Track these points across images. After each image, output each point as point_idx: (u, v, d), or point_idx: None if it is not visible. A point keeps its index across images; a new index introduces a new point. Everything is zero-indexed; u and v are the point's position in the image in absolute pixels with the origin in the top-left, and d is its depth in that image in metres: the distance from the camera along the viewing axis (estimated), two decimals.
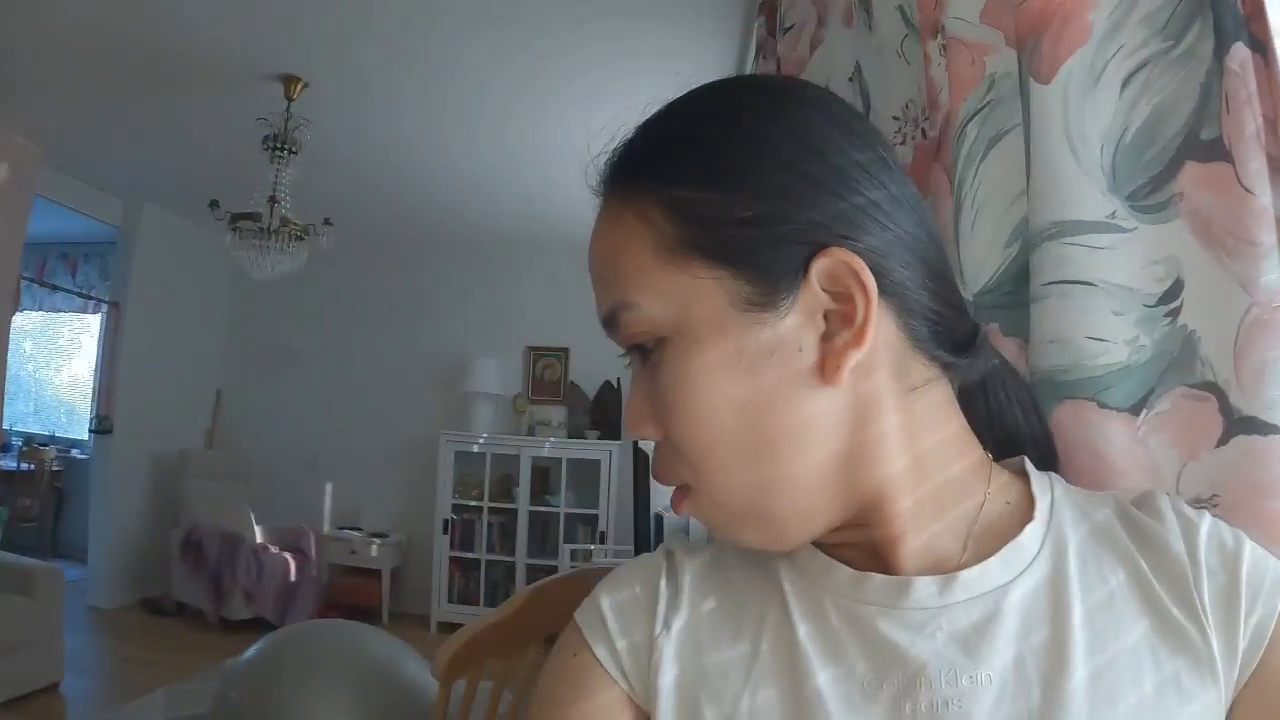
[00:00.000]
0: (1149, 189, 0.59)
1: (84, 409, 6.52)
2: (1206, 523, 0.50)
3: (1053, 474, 0.57)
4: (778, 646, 0.51)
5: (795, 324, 0.48)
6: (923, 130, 0.84)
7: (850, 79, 1.06)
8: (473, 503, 5.49)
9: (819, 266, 0.47)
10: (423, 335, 5.93)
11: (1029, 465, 0.56)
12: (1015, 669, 0.46)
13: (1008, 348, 0.67)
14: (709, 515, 0.52)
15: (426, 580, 5.47)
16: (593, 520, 5.42)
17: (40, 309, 6.96)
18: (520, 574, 5.40)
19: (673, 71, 3.06)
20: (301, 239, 3.51)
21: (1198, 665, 0.46)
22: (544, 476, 5.58)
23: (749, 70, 2.84)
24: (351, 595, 5.34)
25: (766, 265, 0.47)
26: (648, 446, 0.45)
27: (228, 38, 2.99)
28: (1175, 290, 0.58)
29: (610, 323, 0.51)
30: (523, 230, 5.50)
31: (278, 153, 3.35)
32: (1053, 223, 0.61)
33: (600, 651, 0.54)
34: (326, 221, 3.68)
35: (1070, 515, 0.53)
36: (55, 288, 6.49)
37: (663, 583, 0.56)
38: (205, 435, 5.98)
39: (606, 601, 0.56)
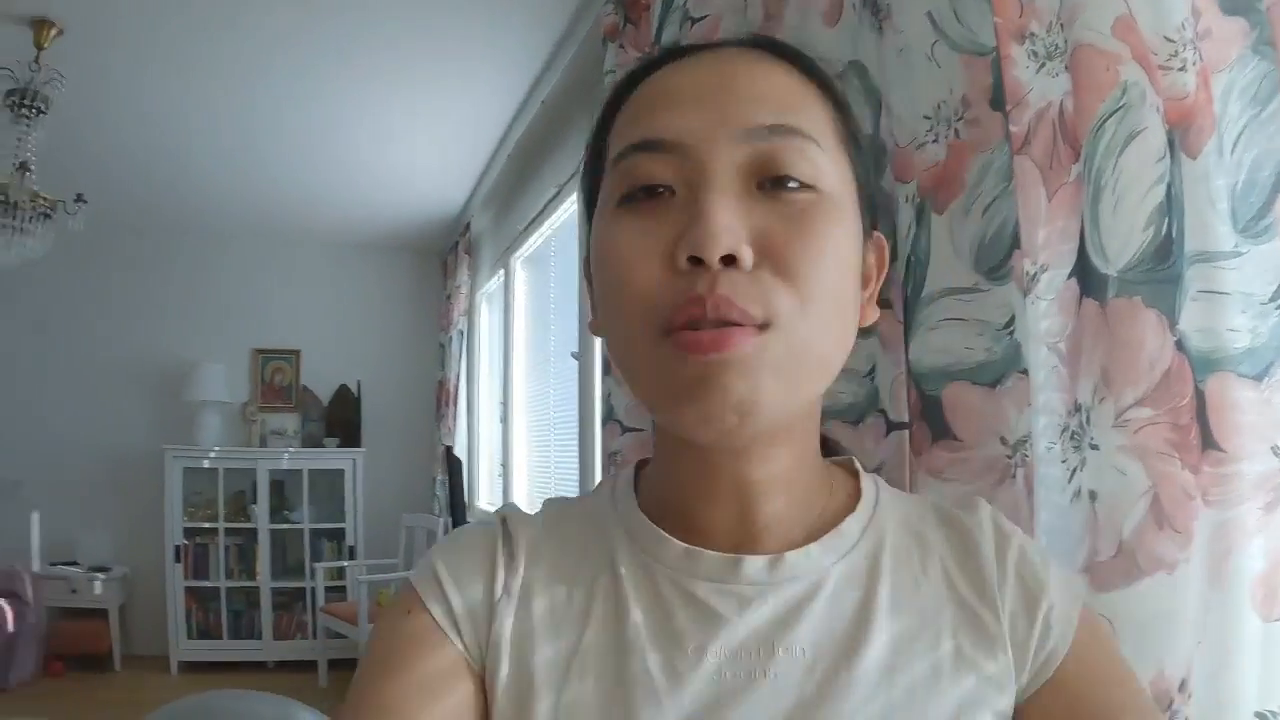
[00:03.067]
0: (1255, 220, 0.79)
1: None
2: (1019, 538, 0.57)
3: (877, 476, 0.63)
4: (610, 611, 0.54)
5: (864, 264, 0.56)
6: (955, 129, 0.95)
7: (838, 76, 1.15)
8: (206, 524, 4.96)
9: (874, 237, 0.58)
10: (139, 337, 5.22)
11: (858, 464, 0.63)
12: (826, 642, 0.51)
13: (1148, 318, 0.79)
14: (777, 355, 0.47)
15: (161, 616, 4.81)
16: (339, 534, 5.16)
17: None
18: (266, 599, 4.96)
19: (473, 57, 3.14)
20: (48, 218, 2.98)
21: (992, 647, 0.52)
22: (281, 490, 5.20)
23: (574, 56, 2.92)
24: (77, 642, 4.62)
25: (868, 210, 0.56)
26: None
27: None
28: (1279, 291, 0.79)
29: (769, 133, 0.48)
30: (255, 219, 5.07)
31: (22, 111, 2.82)
32: (1199, 252, 0.79)
33: (437, 611, 0.54)
34: (78, 198, 3.15)
35: (890, 511, 0.59)
36: None
37: (499, 548, 0.57)
38: None
39: (442, 562, 0.56)
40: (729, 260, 0.45)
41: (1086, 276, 0.82)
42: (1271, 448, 0.74)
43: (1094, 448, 0.79)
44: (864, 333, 0.95)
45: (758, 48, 0.53)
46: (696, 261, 0.45)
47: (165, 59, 3.09)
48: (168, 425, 5.08)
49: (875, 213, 0.59)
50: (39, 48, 2.82)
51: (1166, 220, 0.79)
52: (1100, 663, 0.52)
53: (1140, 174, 0.80)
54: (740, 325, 0.45)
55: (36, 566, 4.73)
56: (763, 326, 0.46)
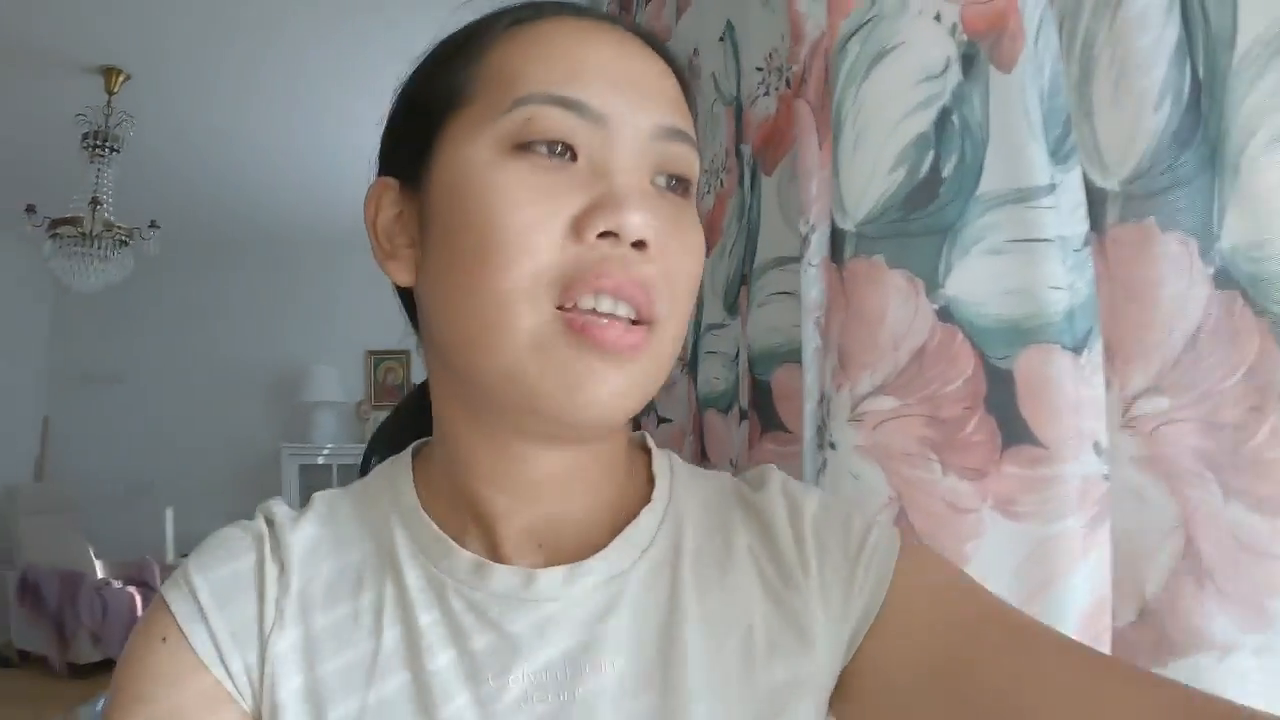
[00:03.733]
0: (1061, 139, 0.59)
1: None
2: (812, 502, 0.53)
3: (670, 450, 0.59)
4: (399, 635, 0.49)
5: None
6: (786, 79, 0.81)
7: (720, 38, 1.04)
8: None
9: None
10: (256, 344, 5.64)
11: (650, 441, 0.58)
12: (636, 655, 0.48)
13: (894, 280, 0.62)
14: (653, 356, 0.46)
15: None
16: None
17: None
18: None
19: None
20: (125, 244, 3.27)
21: (802, 634, 0.48)
22: None
23: None
24: None
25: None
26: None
27: (40, 22, 2.75)
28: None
29: (671, 136, 0.48)
30: (353, 228, 5.32)
31: (98, 151, 3.11)
32: (1011, 190, 0.59)
33: (196, 638, 0.47)
34: (152, 224, 3.45)
35: (687, 495, 0.55)
36: None
37: (267, 556, 0.50)
38: (34, 467, 5.48)
39: (201, 578, 0.49)
40: (639, 246, 0.44)
41: (831, 234, 0.68)
42: (1094, 444, 0.55)
43: (832, 447, 0.65)
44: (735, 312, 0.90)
45: (642, 39, 0.51)
46: (605, 236, 0.44)
47: (228, 86, 3.30)
48: (285, 425, 5.49)
49: None
50: (110, 93, 3.09)
51: (931, 155, 0.63)
52: (935, 589, 0.48)
53: (889, 102, 0.65)
54: (638, 322, 0.45)
55: (170, 557, 5.21)
56: (649, 324, 0.45)
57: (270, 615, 0.49)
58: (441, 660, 0.47)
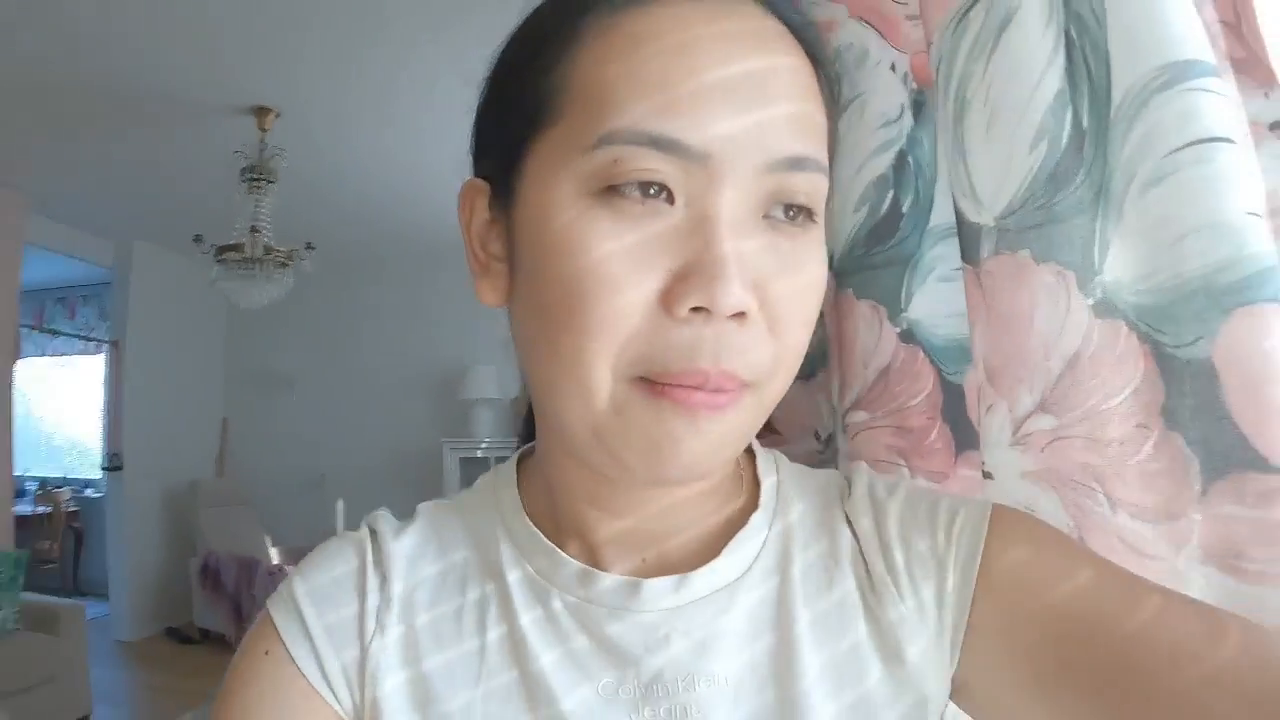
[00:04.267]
0: None
1: (95, 448, 6.62)
2: (897, 499, 0.50)
3: (776, 451, 0.56)
4: (503, 633, 0.48)
5: None
6: None
7: None
8: None
9: None
10: (416, 346, 6.00)
11: (755, 442, 0.55)
12: (749, 668, 0.46)
13: (861, 312, 0.65)
14: (747, 415, 0.42)
15: None
16: None
17: (43, 354, 7.06)
18: None
19: None
20: (285, 265, 3.58)
21: (894, 653, 0.46)
22: None
23: None
24: None
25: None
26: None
27: (197, 73, 3.07)
28: None
29: (794, 165, 0.41)
30: None
31: (255, 183, 3.42)
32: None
33: (299, 649, 0.47)
34: (308, 246, 3.76)
35: (795, 498, 0.52)
36: (55, 332, 6.59)
37: (369, 565, 0.50)
38: (215, 464, 6.07)
39: (304, 588, 0.49)
40: (737, 317, 0.39)
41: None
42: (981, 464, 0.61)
43: (836, 452, 0.74)
44: None
45: (774, 15, 0.43)
46: (699, 310, 0.38)
47: (367, 115, 3.55)
48: (446, 421, 5.82)
49: None
50: (262, 130, 3.40)
51: (890, 194, 0.68)
52: (1035, 564, 0.44)
53: (856, 147, 0.69)
54: (728, 391, 0.40)
55: None
56: (746, 384, 0.41)
57: (371, 620, 0.48)
58: (545, 660, 0.46)
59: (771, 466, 0.54)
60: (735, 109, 0.39)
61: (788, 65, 0.42)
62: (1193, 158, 0.49)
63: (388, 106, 3.43)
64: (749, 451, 0.55)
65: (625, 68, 0.39)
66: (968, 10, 0.58)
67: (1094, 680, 0.40)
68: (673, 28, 0.40)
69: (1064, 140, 0.55)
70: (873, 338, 0.66)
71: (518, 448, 0.58)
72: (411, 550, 0.52)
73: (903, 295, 0.65)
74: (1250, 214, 0.48)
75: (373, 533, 0.53)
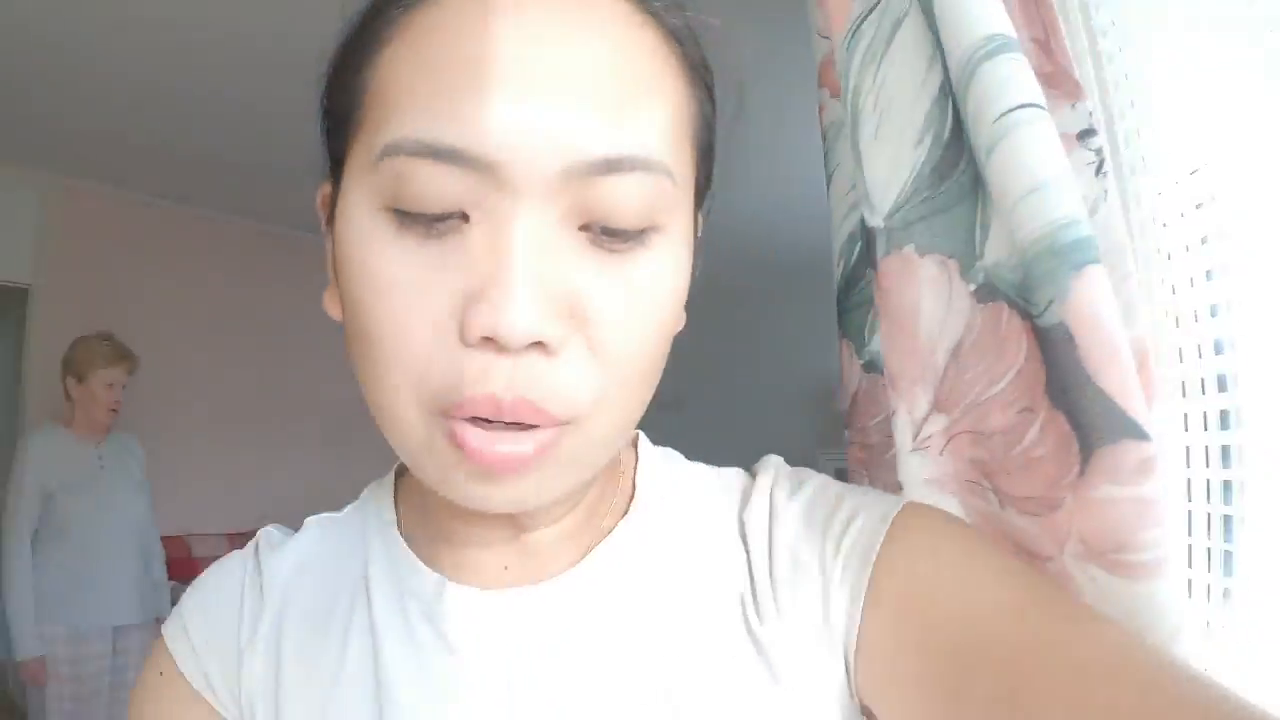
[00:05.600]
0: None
1: None
2: (795, 505, 0.47)
3: (670, 451, 0.54)
4: (363, 644, 0.47)
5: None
6: None
7: None
8: None
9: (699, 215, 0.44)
10: (787, 362, 6.19)
11: (643, 442, 0.53)
12: (605, 672, 0.44)
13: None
14: (572, 452, 0.38)
15: None
16: None
17: None
18: None
19: None
20: None
21: (770, 672, 0.43)
22: None
23: None
24: None
25: (705, 184, 0.43)
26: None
27: None
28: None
29: (606, 168, 0.35)
30: None
31: None
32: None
33: (187, 667, 0.49)
34: None
35: (677, 505, 0.50)
36: None
37: (245, 582, 0.51)
38: None
39: (192, 606, 0.51)
40: (536, 346, 0.35)
41: None
42: None
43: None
44: None
45: None
46: (487, 338, 0.34)
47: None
48: (820, 433, 5.90)
49: (710, 176, 0.44)
50: None
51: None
52: (931, 577, 0.40)
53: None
54: (534, 427, 0.35)
55: None
56: (561, 422, 0.36)
57: (246, 630, 0.49)
58: (398, 673, 0.45)
59: (653, 471, 0.50)
60: (527, 105, 0.33)
61: (612, 43, 0.35)
62: (1016, 121, 0.48)
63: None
64: (636, 452, 0.51)
65: (413, 66, 0.35)
66: (860, 22, 0.59)
67: (993, 695, 0.35)
68: (463, 26, 0.34)
69: (946, 132, 0.54)
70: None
71: None
72: (290, 568, 0.51)
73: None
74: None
75: (255, 549, 0.53)
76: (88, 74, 2.96)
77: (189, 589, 0.52)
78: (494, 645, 0.44)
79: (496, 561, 0.46)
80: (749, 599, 0.45)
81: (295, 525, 0.55)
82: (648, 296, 0.37)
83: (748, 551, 0.46)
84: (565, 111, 0.33)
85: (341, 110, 0.39)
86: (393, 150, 0.34)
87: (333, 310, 0.43)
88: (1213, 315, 0.53)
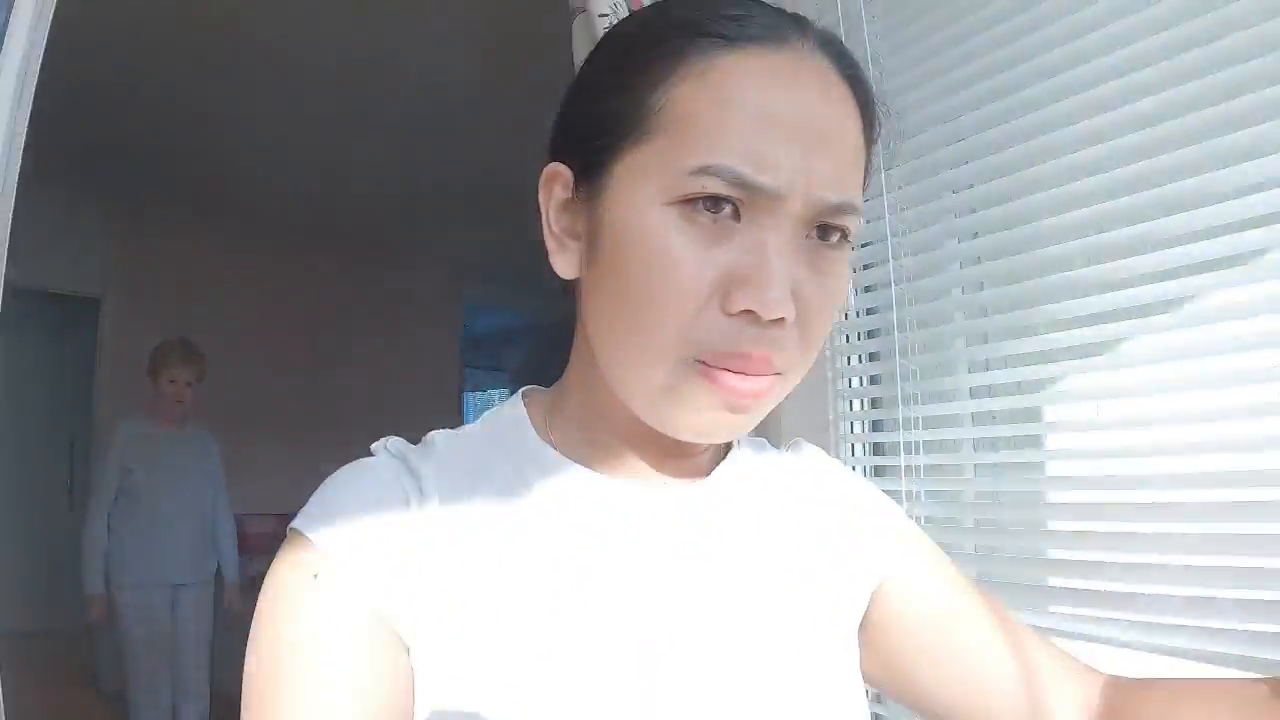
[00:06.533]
0: None
1: None
2: (854, 476, 0.68)
3: None
4: (533, 545, 0.51)
5: None
6: None
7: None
8: None
9: None
10: None
11: None
12: (729, 573, 0.55)
13: None
14: (775, 397, 0.50)
15: None
16: None
17: None
18: None
19: None
20: None
21: (839, 591, 0.60)
22: None
23: None
24: None
25: None
26: None
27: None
28: None
29: (837, 210, 0.47)
30: None
31: None
32: None
33: (355, 569, 0.46)
34: None
35: (753, 449, 0.64)
36: None
37: (405, 481, 0.51)
38: None
39: (351, 500, 0.49)
40: (778, 321, 0.46)
41: None
42: None
43: None
44: None
45: (838, 69, 0.49)
46: (748, 310, 0.45)
47: None
48: None
49: None
50: None
51: None
52: (926, 554, 0.64)
53: None
54: (760, 375, 0.47)
55: None
56: (778, 373, 0.48)
57: (415, 538, 0.48)
58: (571, 572, 0.50)
59: None
60: (811, 156, 0.45)
61: (842, 120, 0.48)
62: None
63: None
64: None
65: (721, 116, 0.45)
66: None
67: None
68: (768, 77, 0.46)
69: None
70: None
71: None
72: (439, 467, 0.52)
73: None
74: None
75: (396, 453, 0.53)
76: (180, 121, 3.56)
77: (331, 486, 0.51)
78: (668, 530, 0.54)
79: (656, 476, 0.56)
80: (815, 534, 0.61)
81: None
82: (839, 286, 0.50)
83: (817, 496, 0.64)
84: (825, 165, 0.46)
85: (624, 117, 0.48)
86: (709, 171, 0.44)
87: (565, 270, 0.53)
88: None
